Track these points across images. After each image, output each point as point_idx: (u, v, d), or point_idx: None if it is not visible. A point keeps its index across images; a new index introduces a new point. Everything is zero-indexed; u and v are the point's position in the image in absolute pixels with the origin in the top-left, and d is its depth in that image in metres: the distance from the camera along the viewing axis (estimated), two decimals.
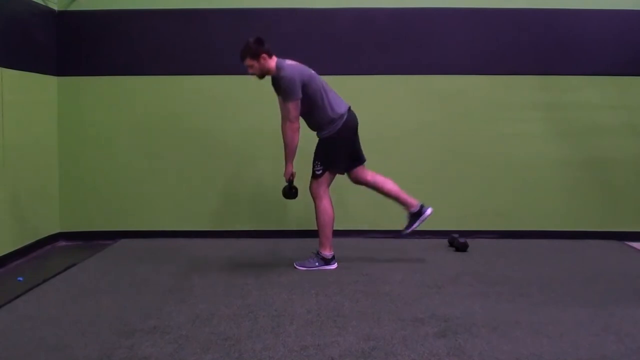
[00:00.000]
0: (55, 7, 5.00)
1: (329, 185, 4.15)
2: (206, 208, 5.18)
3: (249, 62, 4.00)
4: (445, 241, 4.93)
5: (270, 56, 4.00)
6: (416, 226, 4.27)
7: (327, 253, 4.15)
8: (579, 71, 5.09)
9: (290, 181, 4.16)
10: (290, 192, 4.17)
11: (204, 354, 2.65)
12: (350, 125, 4.11)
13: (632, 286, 3.76)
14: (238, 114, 5.12)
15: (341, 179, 4.80)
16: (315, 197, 4.12)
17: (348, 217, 4.94)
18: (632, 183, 5.14)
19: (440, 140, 5.15)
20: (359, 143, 4.24)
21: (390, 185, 4.26)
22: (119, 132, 5.11)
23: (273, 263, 4.28)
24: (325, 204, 4.10)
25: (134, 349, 2.70)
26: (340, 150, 4.13)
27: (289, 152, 4.05)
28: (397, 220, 5.16)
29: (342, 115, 4.06)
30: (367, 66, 5.07)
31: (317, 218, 4.13)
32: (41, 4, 4.80)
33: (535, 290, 3.64)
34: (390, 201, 5.14)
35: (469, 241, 4.75)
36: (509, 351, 2.69)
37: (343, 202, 4.83)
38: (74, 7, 5.03)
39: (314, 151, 4.16)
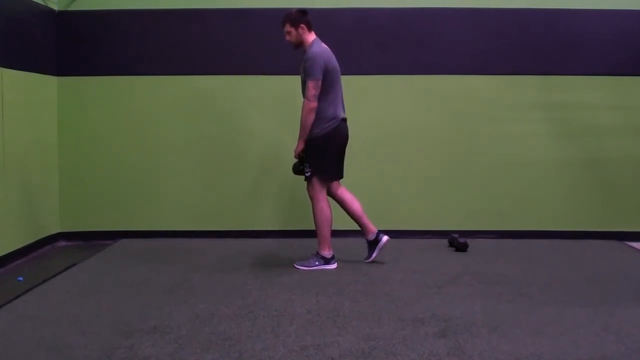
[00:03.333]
0: (55, 7, 5.00)
1: (324, 187, 4.15)
2: (206, 208, 5.18)
3: (287, 28, 4.09)
4: (445, 241, 4.93)
5: (309, 29, 4.09)
6: (376, 255, 4.24)
7: (327, 253, 4.15)
8: (579, 71, 5.09)
9: (301, 157, 4.13)
10: (299, 168, 4.15)
11: (204, 354, 2.65)
12: (340, 133, 4.12)
13: (632, 286, 3.76)
14: (238, 114, 5.11)
15: (343, 180, 4.80)
16: (312, 198, 4.13)
17: (348, 217, 4.93)
18: (632, 183, 5.14)
19: (440, 140, 5.15)
20: (343, 158, 4.24)
21: (356, 205, 4.25)
22: (119, 132, 5.11)
23: (273, 263, 4.28)
24: (322, 205, 4.11)
25: (134, 349, 2.70)
26: (327, 154, 4.11)
27: (303, 130, 4.04)
28: (397, 220, 5.18)
29: (336, 119, 4.08)
30: (367, 66, 5.07)
31: (314, 219, 4.14)
32: (41, 4, 4.80)
33: (535, 290, 3.64)
34: (390, 201, 5.17)
35: (469, 241, 4.75)
36: (509, 351, 2.69)
37: None
38: (74, 7, 5.03)
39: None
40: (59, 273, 4.03)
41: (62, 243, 5.10)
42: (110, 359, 2.60)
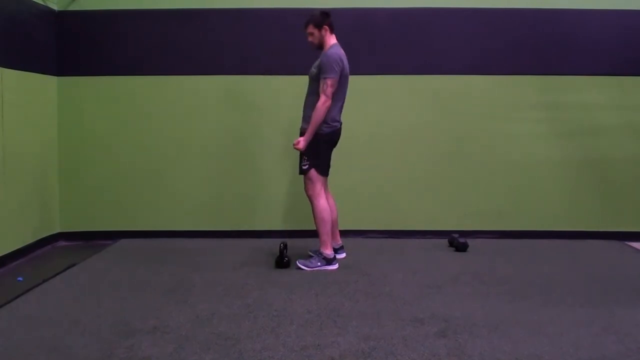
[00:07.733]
0: (55, 7, 5.00)
1: (322, 185, 4.17)
2: (206, 208, 5.18)
3: (310, 29, 4.14)
4: (445, 241, 4.94)
5: (331, 32, 4.15)
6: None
7: (329, 252, 4.15)
8: (579, 71, 5.09)
9: (282, 252, 4.17)
10: (282, 262, 4.17)
11: (204, 354, 2.65)
12: (336, 134, 4.15)
13: (632, 286, 3.76)
14: (238, 114, 5.12)
15: (341, 179, 4.81)
16: (310, 197, 4.14)
17: (348, 217, 4.93)
18: (632, 183, 5.14)
19: (440, 140, 5.15)
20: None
21: (335, 214, 4.34)
22: (119, 132, 5.11)
23: (273, 263, 4.27)
24: (321, 202, 4.12)
25: (134, 349, 2.70)
26: (326, 150, 4.15)
27: (314, 125, 3.98)
28: (398, 220, 5.18)
29: (337, 122, 4.11)
30: (367, 66, 5.07)
31: (314, 217, 4.14)
32: (41, 4, 4.80)
33: (535, 290, 3.64)
34: (389, 201, 5.17)
35: (469, 241, 4.75)
36: (509, 351, 2.69)
37: (343, 202, 4.82)
38: (74, 7, 5.03)
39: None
40: (59, 273, 4.03)
41: (62, 243, 5.10)
42: (110, 359, 2.60)
